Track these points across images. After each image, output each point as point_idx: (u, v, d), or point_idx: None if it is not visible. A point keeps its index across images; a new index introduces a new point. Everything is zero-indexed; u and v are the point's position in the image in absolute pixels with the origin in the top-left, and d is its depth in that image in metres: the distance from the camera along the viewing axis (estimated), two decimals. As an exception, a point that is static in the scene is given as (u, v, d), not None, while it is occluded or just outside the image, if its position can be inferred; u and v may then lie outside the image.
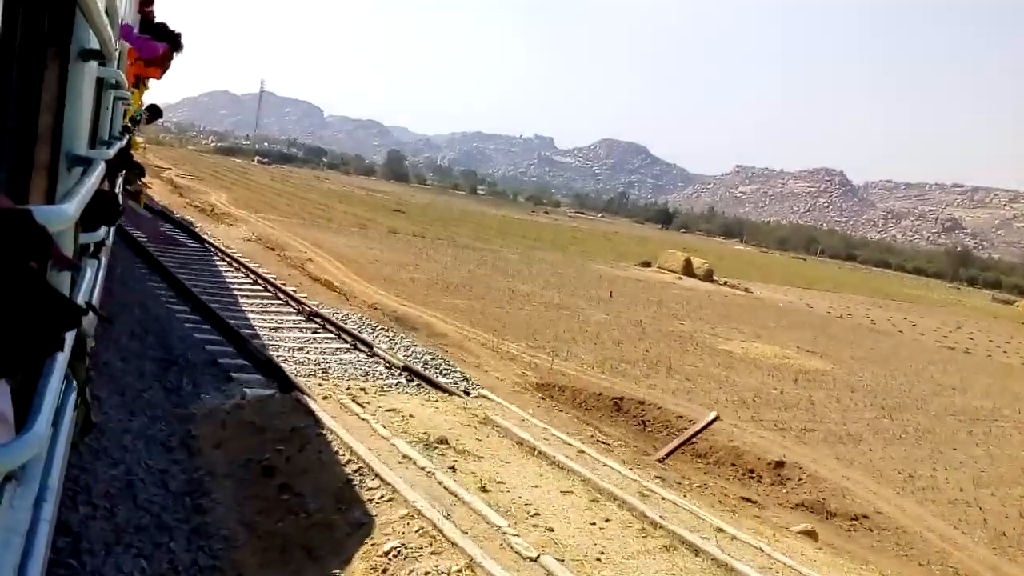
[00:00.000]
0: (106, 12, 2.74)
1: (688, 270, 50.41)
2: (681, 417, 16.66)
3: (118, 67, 4.38)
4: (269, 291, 17.79)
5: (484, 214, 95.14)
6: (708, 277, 50.62)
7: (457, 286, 28.87)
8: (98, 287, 4.29)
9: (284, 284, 18.96)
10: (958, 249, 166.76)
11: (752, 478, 14.38)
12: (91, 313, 3.02)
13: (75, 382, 2.52)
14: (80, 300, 2.78)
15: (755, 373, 22.47)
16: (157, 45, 5.89)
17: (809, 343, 30.07)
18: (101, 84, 4.07)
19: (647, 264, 53.17)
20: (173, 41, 6.25)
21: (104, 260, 5.00)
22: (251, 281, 18.82)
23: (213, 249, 22.39)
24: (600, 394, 17.27)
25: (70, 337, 2.22)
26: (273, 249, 27.20)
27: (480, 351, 19.12)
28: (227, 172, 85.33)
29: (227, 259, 21.05)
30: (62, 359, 1.95)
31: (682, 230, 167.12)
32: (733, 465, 14.75)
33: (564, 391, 17.22)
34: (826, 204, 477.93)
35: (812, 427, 17.79)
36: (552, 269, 40.98)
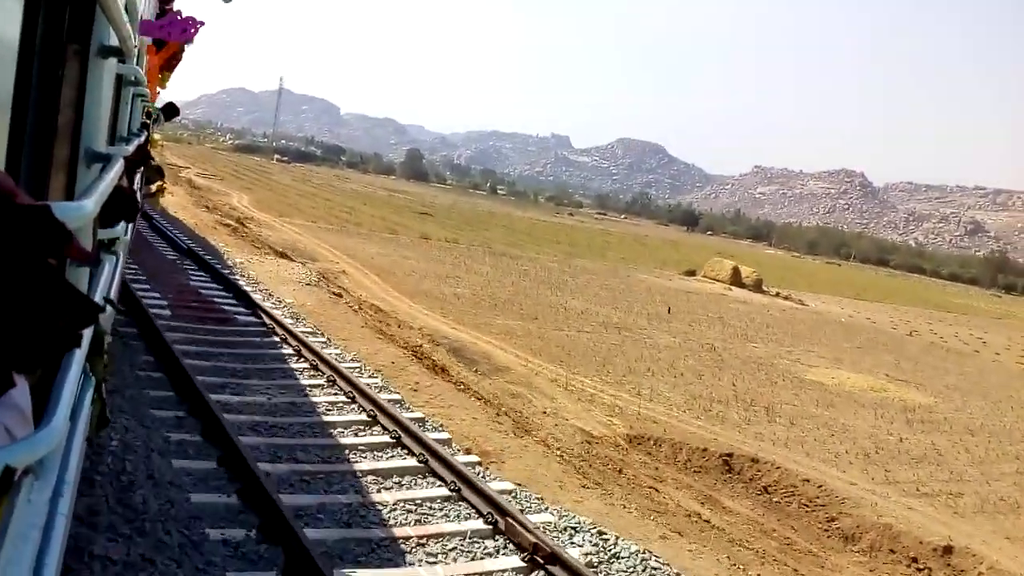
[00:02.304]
0: (125, 9, 2.65)
1: (736, 280, 47.38)
2: (807, 481, 13.77)
3: (137, 64, 4.32)
4: (407, 449, 8.54)
5: (511, 216, 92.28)
6: (758, 287, 47.61)
7: (505, 303, 26.09)
8: (116, 282, 4.09)
9: (421, 423, 9.58)
10: (995, 255, 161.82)
11: (920, 571, 11.46)
12: (108, 308, 2.86)
13: (92, 378, 2.50)
14: (98, 296, 2.70)
15: (860, 412, 19.55)
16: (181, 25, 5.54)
17: (894, 369, 27.08)
18: (120, 81, 3.94)
19: (692, 273, 50.17)
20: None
21: (122, 256, 4.76)
22: (363, 415, 9.37)
23: (270, 323, 12.40)
24: (705, 449, 14.39)
25: (88, 333, 2.18)
26: (339, 294, 18.20)
27: (552, 389, 16.31)
28: (247, 171, 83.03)
29: (299, 349, 11.27)
30: (80, 355, 1.94)
31: (708, 232, 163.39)
32: (892, 552, 11.86)
33: (661, 445, 14.37)
34: (846, 206, 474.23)
35: (957, 490, 14.85)
36: (597, 280, 38.11)
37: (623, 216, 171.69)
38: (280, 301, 14.27)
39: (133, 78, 4.01)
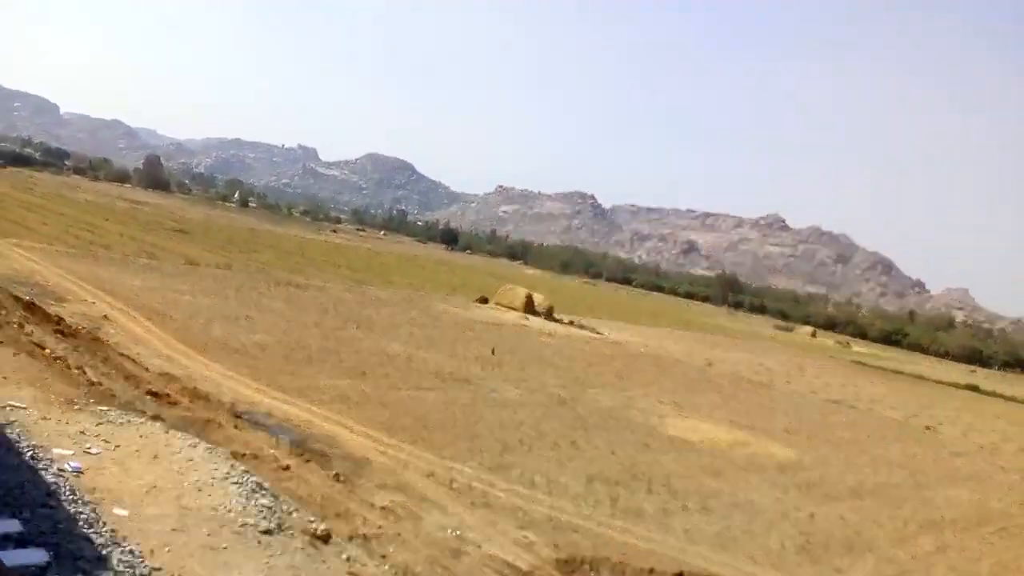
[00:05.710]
0: None
1: (530, 308, 45.70)
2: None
3: None
4: None
5: (275, 234, 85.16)
6: (550, 315, 46.28)
7: (320, 352, 21.76)
8: None
9: None
10: (726, 275, 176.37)
11: None
12: None
13: None
14: None
15: (749, 480, 17.75)
16: None
17: (728, 411, 26.15)
18: None
19: (484, 300, 47.70)
20: None
21: None
22: None
23: None
24: (651, 571, 11.36)
25: None
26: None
27: (435, 492, 12.69)
28: (-52, 175, 69.38)
29: None
30: None
31: (467, 251, 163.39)
32: None
33: (600, 571, 11.12)
34: (580, 225, 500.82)
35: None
36: (401, 314, 34.30)
37: (382, 232, 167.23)
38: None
39: None
